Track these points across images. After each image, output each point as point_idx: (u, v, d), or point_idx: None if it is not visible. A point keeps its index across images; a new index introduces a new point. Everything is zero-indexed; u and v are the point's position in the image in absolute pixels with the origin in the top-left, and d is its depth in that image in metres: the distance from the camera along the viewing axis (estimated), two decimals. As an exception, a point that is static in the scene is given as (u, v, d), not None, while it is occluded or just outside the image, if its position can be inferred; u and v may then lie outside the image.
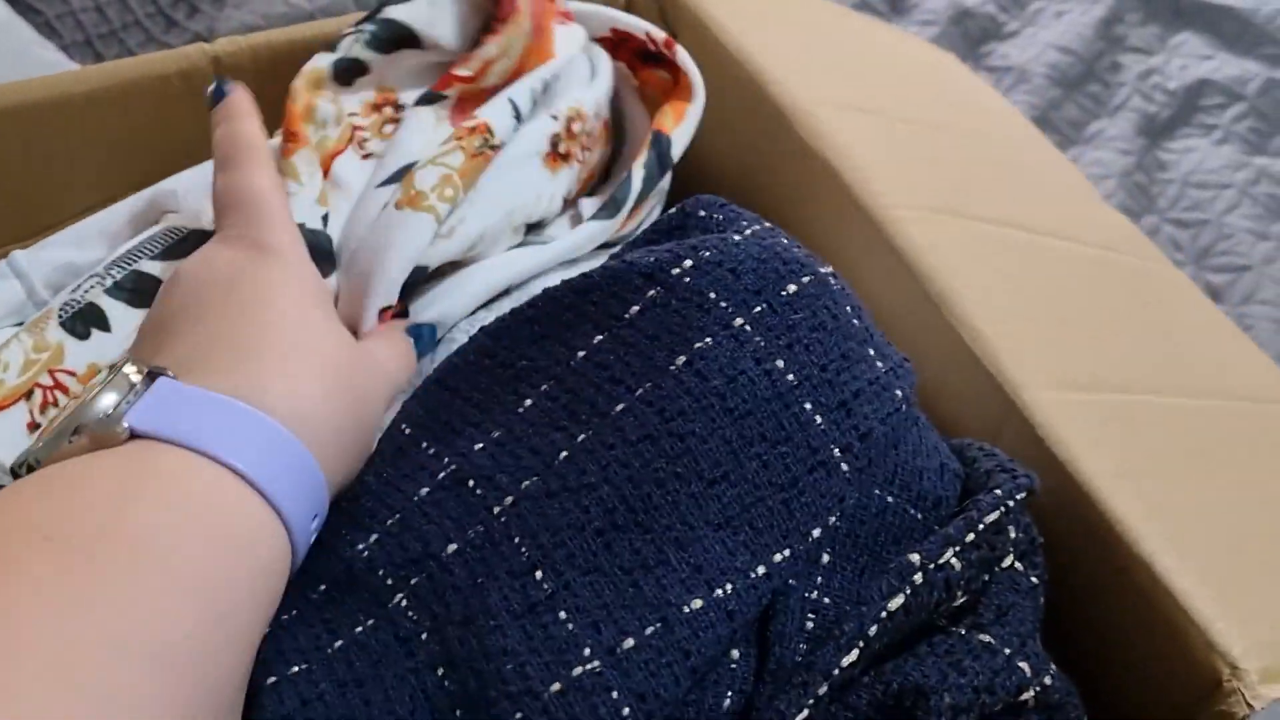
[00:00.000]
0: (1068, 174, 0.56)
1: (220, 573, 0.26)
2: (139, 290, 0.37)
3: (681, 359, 0.31)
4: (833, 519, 0.30)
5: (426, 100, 0.42)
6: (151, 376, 0.28)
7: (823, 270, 0.34)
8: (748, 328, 0.31)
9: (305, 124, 0.40)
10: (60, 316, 0.36)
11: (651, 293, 0.33)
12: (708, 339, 0.31)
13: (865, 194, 0.42)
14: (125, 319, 0.37)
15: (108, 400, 0.27)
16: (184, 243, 0.38)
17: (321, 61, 0.42)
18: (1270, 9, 1.04)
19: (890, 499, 0.32)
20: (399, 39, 0.43)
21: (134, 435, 0.27)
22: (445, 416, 0.34)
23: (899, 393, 0.33)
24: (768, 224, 0.36)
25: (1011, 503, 0.32)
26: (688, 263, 0.33)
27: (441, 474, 0.32)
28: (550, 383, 0.33)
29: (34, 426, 0.35)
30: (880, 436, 0.32)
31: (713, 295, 0.32)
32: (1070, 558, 0.36)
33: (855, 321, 0.34)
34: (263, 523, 0.27)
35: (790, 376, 0.31)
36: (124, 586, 0.24)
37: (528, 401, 0.33)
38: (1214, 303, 0.83)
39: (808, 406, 0.31)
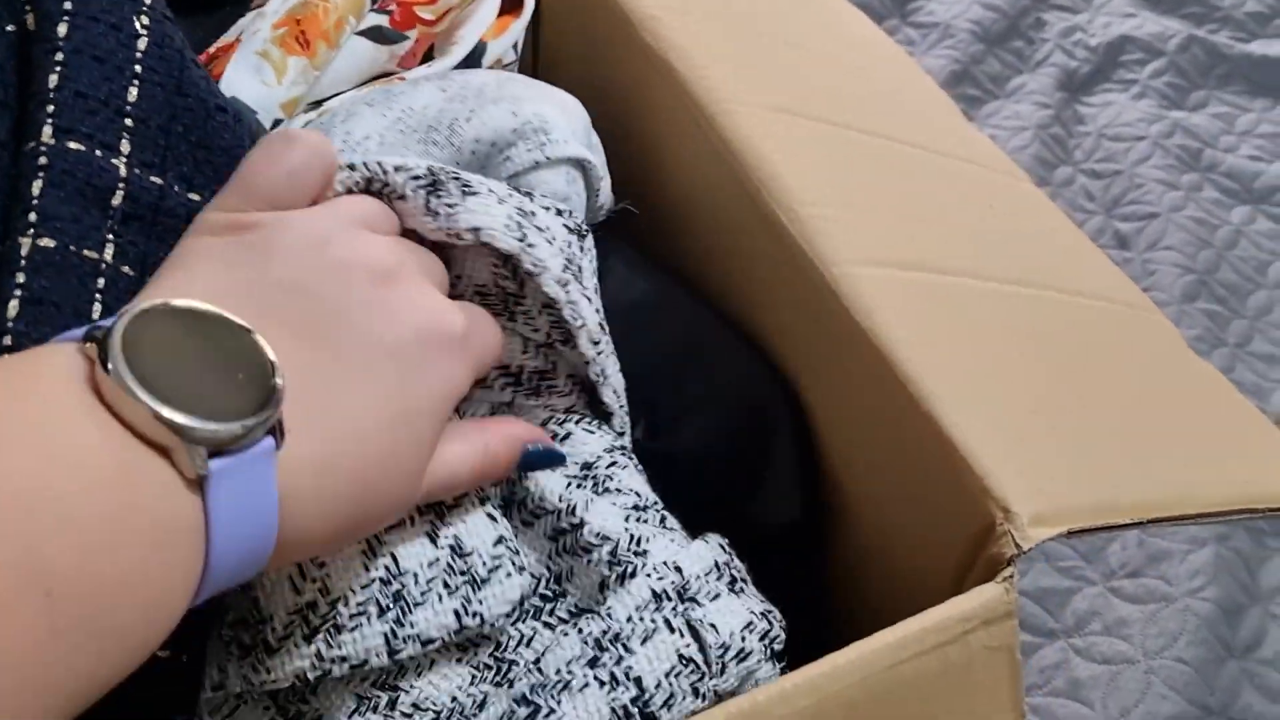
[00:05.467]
0: (939, 102, 0.57)
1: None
2: None
3: None
4: None
5: (377, 37, 0.41)
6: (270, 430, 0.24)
7: None
8: None
9: (322, 42, 0.39)
10: None
11: None
12: None
13: (700, 90, 0.42)
14: None
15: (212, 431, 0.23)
16: None
17: None
18: (1195, -31, 1.05)
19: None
20: None
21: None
22: None
23: None
24: None
25: None
26: None
27: None
28: None
29: None
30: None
31: None
32: (871, 416, 0.37)
33: None
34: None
35: None
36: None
37: None
38: (1122, 250, 0.84)
39: None
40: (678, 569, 0.31)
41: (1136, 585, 0.66)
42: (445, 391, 0.29)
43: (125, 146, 0.30)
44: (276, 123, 0.37)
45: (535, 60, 0.55)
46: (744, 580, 0.33)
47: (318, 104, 0.40)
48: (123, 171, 0.29)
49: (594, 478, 0.33)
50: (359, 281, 0.28)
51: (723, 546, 0.34)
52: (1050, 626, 0.65)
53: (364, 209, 0.31)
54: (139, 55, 0.31)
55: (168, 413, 0.22)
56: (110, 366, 0.22)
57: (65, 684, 0.21)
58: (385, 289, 0.28)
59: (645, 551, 0.31)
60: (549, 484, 0.33)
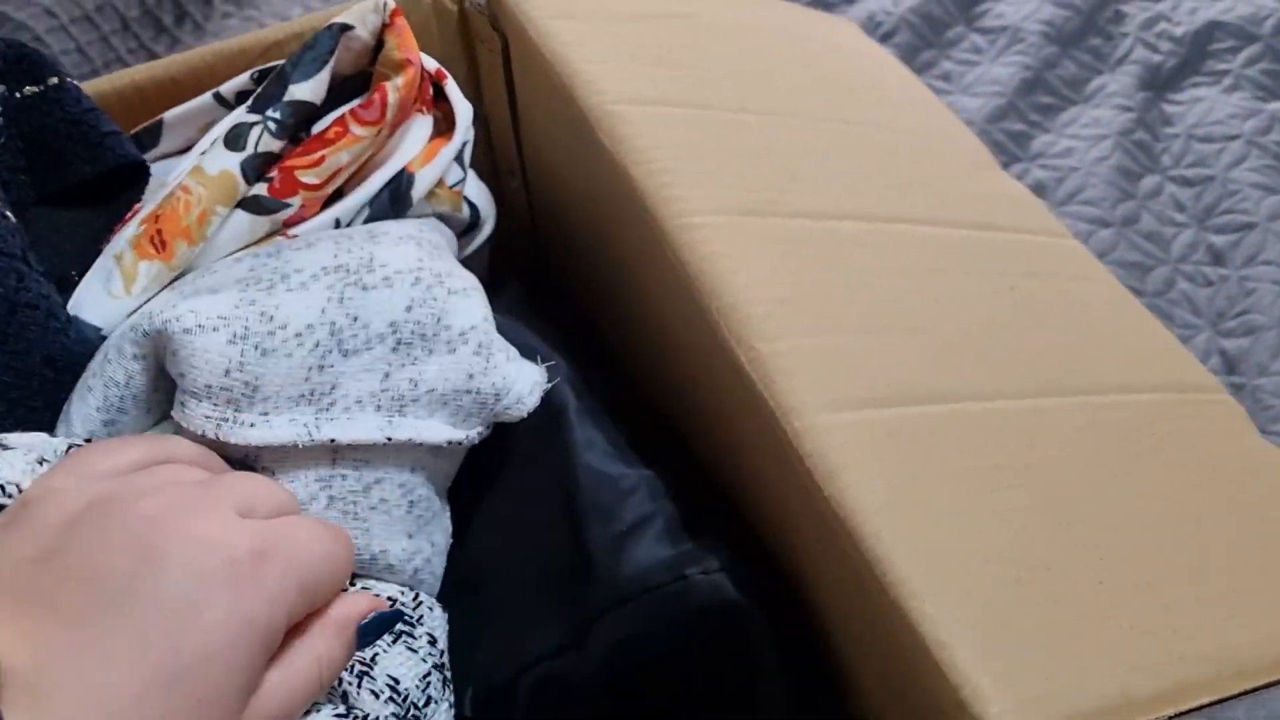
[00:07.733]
0: (964, 154, 0.51)
1: None
2: None
3: None
4: None
5: (255, 207, 0.37)
6: None
7: None
8: None
9: (181, 241, 0.35)
10: None
11: None
12: None
13: (658, 202, 0.38)
14: None
15: None
16: None
17: (229, 162, 0.36)
18: (1293, -63, 0.95)
19: None
20: (305, 121, 0.39)
21: None
22: None
23: None
24: None
25: None
26: None
27: None
28: None
29: None
30: None
31: None
32: (845, 600, 0.32)
33: None
34: None
35: None
36: None
37: None
38: (1216, 267, 0.76)
39: None
40: None
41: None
42: (238, 633, 0.25)
43: None
44: None
45: (521, 159, 0.52)
46: None
47: None
48: None
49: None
50: (115, 534, 0.25)
51: None
52: None
53: (129, 455, 0.28)
54: None
55: None
56: None
57: None
58: (150, 531, 0.25)
59: None
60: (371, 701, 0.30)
